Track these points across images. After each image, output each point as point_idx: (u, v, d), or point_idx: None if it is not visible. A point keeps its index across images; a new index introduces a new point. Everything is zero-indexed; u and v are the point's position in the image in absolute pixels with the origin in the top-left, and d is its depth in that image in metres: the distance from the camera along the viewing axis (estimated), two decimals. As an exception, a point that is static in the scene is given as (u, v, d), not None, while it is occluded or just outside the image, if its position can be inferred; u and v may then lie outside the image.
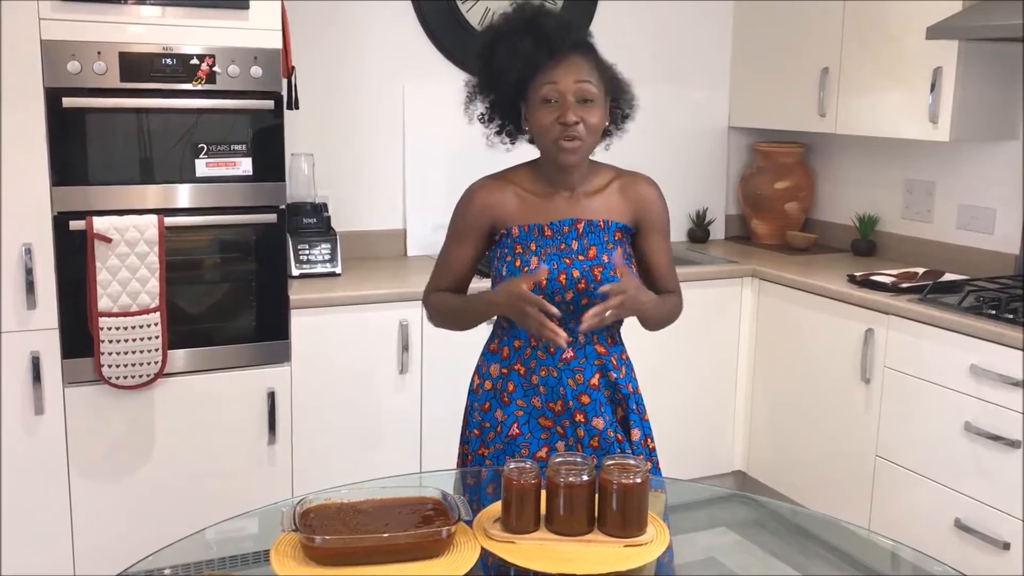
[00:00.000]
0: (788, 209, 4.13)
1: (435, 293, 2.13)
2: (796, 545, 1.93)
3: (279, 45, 2.92)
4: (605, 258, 1.99)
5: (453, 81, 3.63)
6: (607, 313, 1.86)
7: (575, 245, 2.00)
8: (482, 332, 2.15)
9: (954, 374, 2.88)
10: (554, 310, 1.87)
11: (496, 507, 1.70)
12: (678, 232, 4.20)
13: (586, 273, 1.97)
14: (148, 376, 2.84)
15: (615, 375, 2.05)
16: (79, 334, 2.80)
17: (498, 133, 2.07)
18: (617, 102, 2.04)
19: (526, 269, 1.97)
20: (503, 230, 2.03)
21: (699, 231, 4.22)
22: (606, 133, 2.04)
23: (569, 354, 2.02)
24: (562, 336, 1.86)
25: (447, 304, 2.10)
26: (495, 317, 2.09)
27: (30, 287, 2.74)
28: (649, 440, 2.10)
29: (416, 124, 3.71)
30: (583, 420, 2.02)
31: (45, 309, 2.77)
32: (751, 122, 4.17)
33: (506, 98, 2.01)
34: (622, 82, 2.04)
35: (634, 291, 1.90)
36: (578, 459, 1.67)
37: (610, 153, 2.17)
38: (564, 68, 1.92)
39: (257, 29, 2.87)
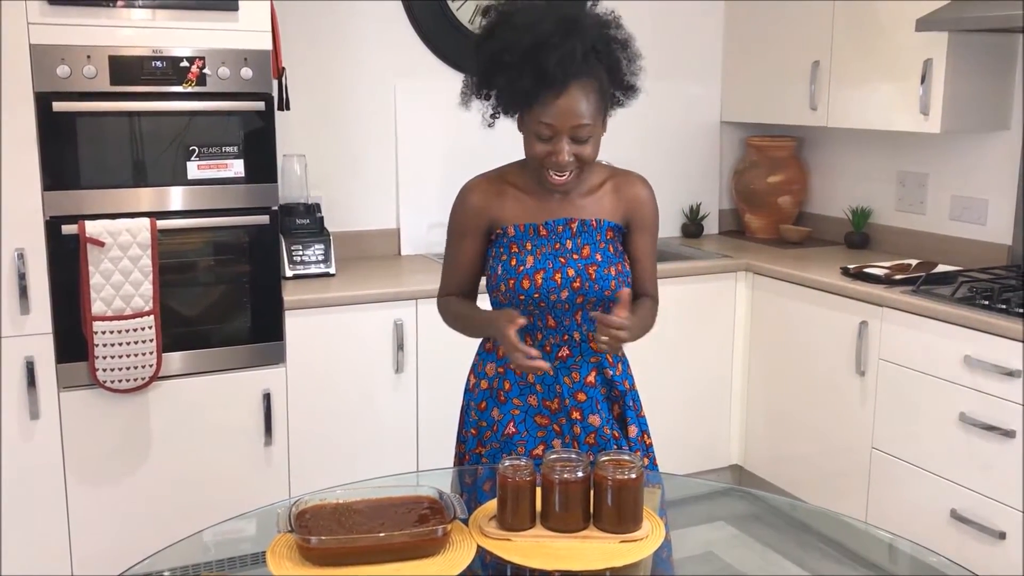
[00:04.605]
0: (781, 203, 4.13)
1: (446, 297, 2.13)
2: (794, 538, 1.94)
3: (269, 46, 2.91)
4: (599, 257, 1.99)
5: (444, 80, 3.68)
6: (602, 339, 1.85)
7: (569, 244, 2.00)
8: (476, 330, 2.15)
9: (948, 365, 2.89)
10: (535, 354, 1.85)
11: (492, 505, 1.70)
12: (672, 227, 4.21)
13: (581, 272, 1.97)
14: (143, 379, 2.84)
15: (611, 372, 2.05)
16: (73, 338, 2.79)
17: (493, 116, 2.03)
18: (615, 95, 1.98)
19: (521, 268, 1.97)
20: (499, 229, 2.03)
21: (693, 226, 4.22)
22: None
23: (565, 352, 2.02)
24: (544, 366, 1.86)
25: (454, 311, 2.11)
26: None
27: (23, 292, 2.73)
28: (646, 436, 2.10)
29: (408, 123, 3.71)
30: (579, 417, 2.02)
31: (39, 314, 2.76)
32: (743, 116, 4.17)
33: (503, 107, 1.98)
34: (625, 77, 1.96)
35: (627, 335, 1.86)
36: (573, 455, 1.68)
37: (603, 149, 2.16)
38: (562, 107, 1.84)
39: (247, 30, 2.87)
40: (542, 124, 1.87)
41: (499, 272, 2.00)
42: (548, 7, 1.89)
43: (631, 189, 2.06)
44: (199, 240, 2.94)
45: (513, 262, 1.99)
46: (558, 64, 1.81)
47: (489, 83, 1.93)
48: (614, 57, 1.93)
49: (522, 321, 1.86)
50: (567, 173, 1.92)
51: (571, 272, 1.97)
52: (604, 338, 1.83)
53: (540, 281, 1.96)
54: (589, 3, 1.97)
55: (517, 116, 1.97)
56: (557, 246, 2.00)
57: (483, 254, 2.08)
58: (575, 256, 1.99)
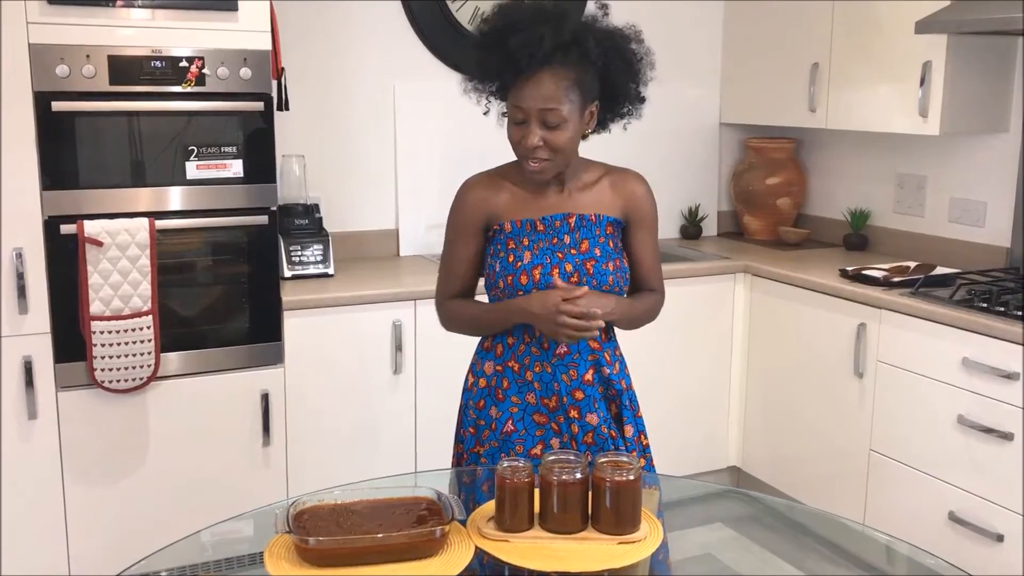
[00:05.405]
0: (780, 204, 4.14)
1: (450, 300, 2.12)
2: (791, 540, 1.94)
3: (268, 46, 2.91)
4: (597, 252, 2.00)
5: (443, 80, 3.68)
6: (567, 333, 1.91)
7: (567, 240, 2.00)
8: (475, 331, 2.15)
9: (947, 367, 2.89)
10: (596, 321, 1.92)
11: (490, 506, 1.70)
12: (671, 229, 4.21)
13: (579, 267, 1.98)
14: (141, 379, 2.84)
15: (608, 371, 2.05)
16: (71, 338, 2.79)
17: (503, 113, 2.06)
18: (615, 96, 2.01)
19: (519, 264, 1.98)
20: (496, 226, 2.04)
21: (691, 228, 4.22)
22: (602, 122, 2.03)
23: (563, 349, 2.02)
24: (597, 325, 1.92)
25: (464, 313, 2.10)
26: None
27: (22, 292, 2.73)
28: (643, 436, 2.11)
29: (407, 123, 3.71)
30: (577, 416, 2.02)
31: (37, 314, 2.76)
32: (742, 118, 4.17)
33: (484, 94, 2.04)
34: (619, 80, 1.98)
35: (587, 304, 1.92)
36: (571, 457, 1.68)
37: (602, 150, 2.17)
38: (530, 90, 1.89)
39: (246, 31, 2.87)
40: (514, 108, 1.93)
41: (497, 269, 2.01)
42: (537, 3, 1.95)
43: (628, 185, 2.08)
44: (198, 240, 2.94)
45: (511, 258, 2.00)
46: (522, 46, 1.86)
47: (472, 70, 2.00)
48: (633, 71, 1.98)
49: (584, 290, 1.92)
50: (540, 162, 1.94)
51: (569, 267, 1.98)
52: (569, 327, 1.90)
53: (538, 276, 1.97)
54: (600, 12, 2.01)
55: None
56: (555, 241, 2.00)
57: (482, 252, 2.09)
58: (573, 251, 1.99)
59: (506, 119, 2.03)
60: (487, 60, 1.92)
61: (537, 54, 1.86)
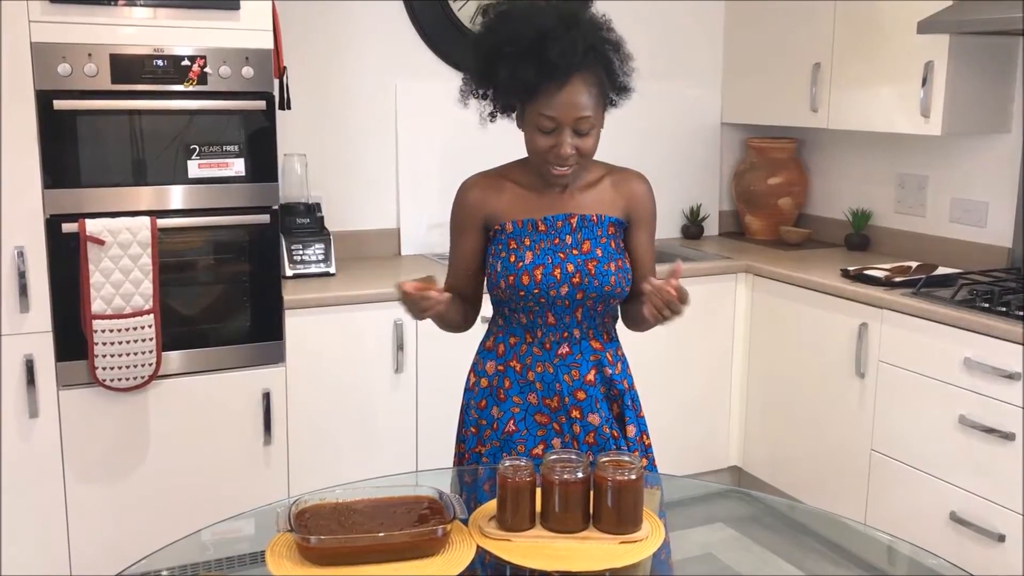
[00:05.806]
0: (781, 204, 4.14)
1: None
2: (792, 540, 1.94)
3: (270, 45, 2.91)
4: (599, 252, 1.99)
5: (445, 80, 3.68)
6: (661, 299, 1.89)
7: (569, 240, 2.00)
8: (477, 331, 2.15)
9: (948, 367, 2.89)
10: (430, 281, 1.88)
11: (491, 505, 1.70)
12: (672, 228, 4.21)
13: (580, 267, 1.97)
14: (143, 378, 2.84)
15: (611, 371, 2.05)
16: (73, 337, 2.79)
17: (492, 116, 2.04)
18: (610, 96, 2.01)
19: (520, 264, 1.98)
20: (496, 226, 2.03)
21: (693, 227, 4.22)
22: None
23: (564, 349, 2.02)
24: (436, 297, 1.85)
25: None
26: (491, 315, 2.10)
27: (23, 290, 2.73)
28: (645, 436, 2.10)
29: (409, 123, 3.71)
30: (579, 416, 2.02)
31: (38, 312, 2.76)
32: (744, 118, 4.17)
33: (503, 102, 2.00)
34: (619, 78, 1.97)
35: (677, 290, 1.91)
36: (573, 456, 1.68)
37: (602, 149, 2.16)
38: (564, 99, 1.86)
39: (248, 29, 2.87)
40: (544, 117, 1.89)
41: (498, 269, 2.00)
42: (547, 5, 1.92)
43: (629, 185, 2.07)
44: (199, 239, 2.94)
45: (512, 258, 1.99)
46: (561, 55, 1.83)
47: (490, 78, 1.94)
48: (607, 58, 1.95)
49: (431, 287, 1.87)
50: (569, 166, 1.93)
51: (570, 268, 1.97)
52: (666, 307, 1.88)
53: (539, 277, 1.97)
54: (587, 3, 1.99)
55: (516, 113, 1.98)
56: (556, 241, 2.00)
57: (483, 252, 2.08)
58: (575, 252, 1.99)
59: (493, 119, 2.01)
60: (522, 70, 1.85)
61: (575, 61, 1.85)
